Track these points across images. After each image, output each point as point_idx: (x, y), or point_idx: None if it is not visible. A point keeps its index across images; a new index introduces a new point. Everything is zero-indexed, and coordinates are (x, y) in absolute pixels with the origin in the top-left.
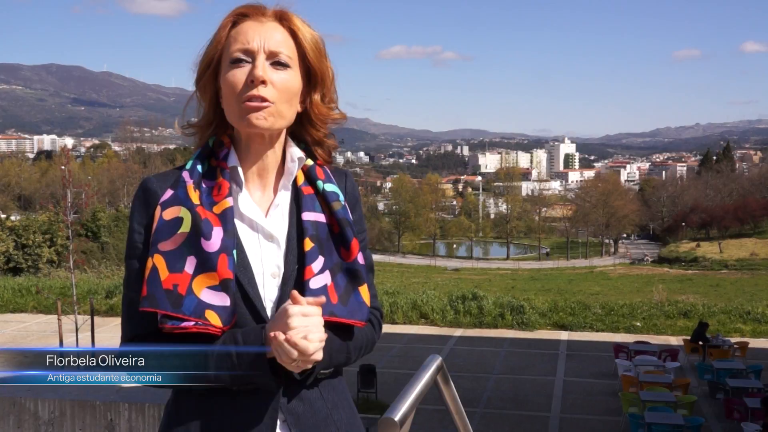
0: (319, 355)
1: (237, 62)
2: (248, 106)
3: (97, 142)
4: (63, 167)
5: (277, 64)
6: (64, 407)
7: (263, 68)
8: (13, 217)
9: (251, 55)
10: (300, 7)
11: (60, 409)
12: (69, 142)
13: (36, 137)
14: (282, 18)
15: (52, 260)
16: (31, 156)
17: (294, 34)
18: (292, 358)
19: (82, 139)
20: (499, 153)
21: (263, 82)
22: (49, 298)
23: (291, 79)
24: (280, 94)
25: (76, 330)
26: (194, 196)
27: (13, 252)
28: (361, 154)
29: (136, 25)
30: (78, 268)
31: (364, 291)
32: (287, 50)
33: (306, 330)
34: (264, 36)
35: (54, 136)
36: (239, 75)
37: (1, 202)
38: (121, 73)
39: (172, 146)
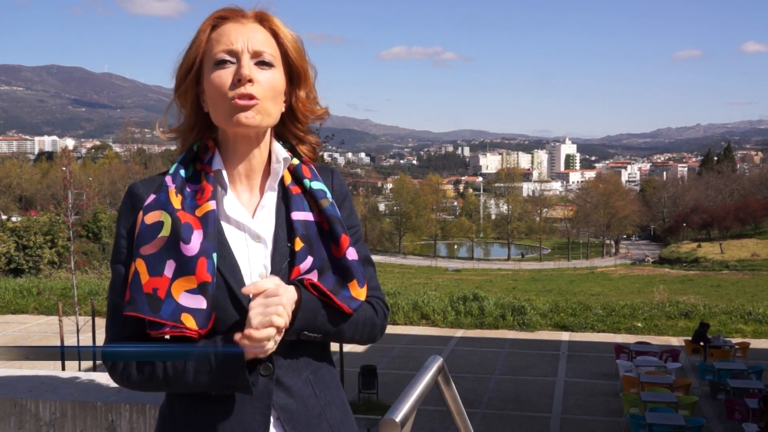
0: (278, 321)
1: (221, 63)
2: (237, 104)
3: (98, 143)
4: (64, 168)
5: (262, 63)
6: (65, 408)
7: (249, 67)
8: (14, 219)
9: (235, 55)
10: (301, 8)
11: (61, 410)
12: (70, 143)
13: (37, 138)
14: (262, 19)
15: (53, 261)
16: (32, 157)
17: (275, 34)
18: (264, 348)
19: (82, 140)
20: (499, 154)
21: (250, 81)
22: (50, 299)
23: (275, 77)
24: (266, 92)
25: (77, 331)
26: (176, 201)
27: (14, 253)
28: (362, 154)
29: (137, 26)
30: (79, 269)
31: (353, 287)
32: (270, 49)
33: (260, 314)
34: (247, 36)
35: (55, 137)
36: (225, 75)
37: (2, 204)
38: (121, 74)
39: (173, 147)
